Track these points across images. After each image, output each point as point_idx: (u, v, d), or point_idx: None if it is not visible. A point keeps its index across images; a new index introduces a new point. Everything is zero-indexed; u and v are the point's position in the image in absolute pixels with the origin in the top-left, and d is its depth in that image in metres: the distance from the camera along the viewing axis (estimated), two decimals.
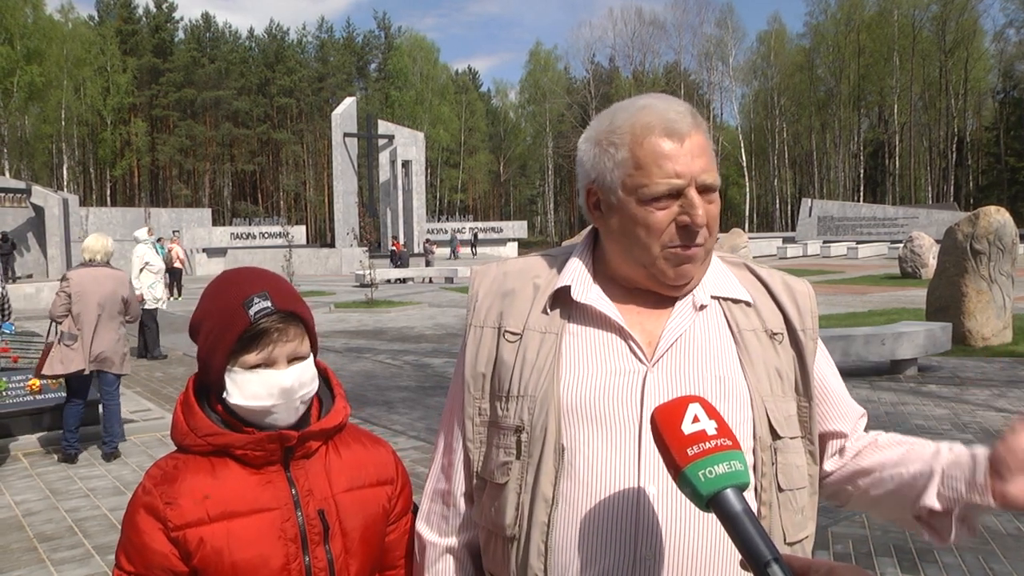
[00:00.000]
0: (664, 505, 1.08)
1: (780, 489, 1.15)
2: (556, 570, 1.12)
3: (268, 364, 1.23)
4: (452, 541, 1.28)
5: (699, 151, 1.14)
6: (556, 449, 1.13)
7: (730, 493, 0.87)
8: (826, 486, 1.30)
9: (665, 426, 0.92)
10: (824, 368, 1.29)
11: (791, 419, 1.18)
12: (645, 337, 1.17)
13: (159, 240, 11.27)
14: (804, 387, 1.21)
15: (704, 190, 1.14)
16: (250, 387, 1.22)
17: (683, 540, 1.07)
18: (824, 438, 1.28)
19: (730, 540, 1.03)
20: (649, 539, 1.07)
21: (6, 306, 8.69)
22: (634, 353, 1.16)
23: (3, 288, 8.76)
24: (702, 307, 1.20)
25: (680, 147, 1.13)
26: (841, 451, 1.30)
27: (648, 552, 1.07)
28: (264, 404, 1.23)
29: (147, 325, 11.12)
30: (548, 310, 1.21)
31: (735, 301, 1.22)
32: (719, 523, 1.04)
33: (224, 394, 1.25)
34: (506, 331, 1.22)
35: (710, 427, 0.91)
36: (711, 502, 0.87)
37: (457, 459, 1.27)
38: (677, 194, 1.13)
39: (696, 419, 0.91)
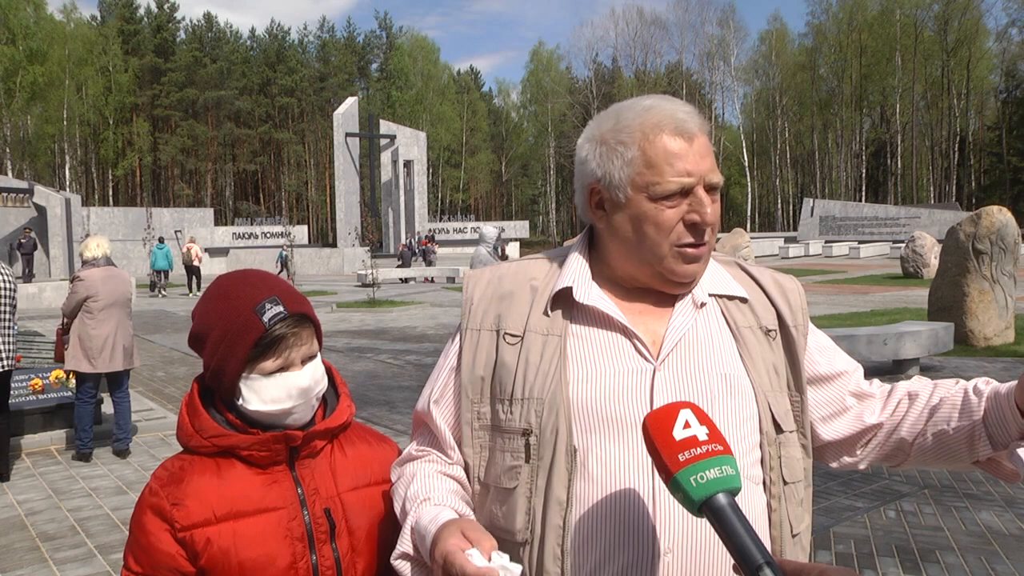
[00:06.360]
0: None
1: (785, 482, 1.20)
2: (573, 572, 1.11)
3: (285, 368, 1.23)
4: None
5: (705, 151, 1.18)
6: (568, 451, 1.12)
7: (721, 498, 0.88)
8: (873, 447, 1.31)
9: (656, 432, 0.93)
10: (820, 339, 1.33)
11: (788, 414, 1.22)
12: (649, 336, 1.18)
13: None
14: (795, 382, 1.25)
15: (710, 189, 1.18)
16: (269, 392, 1.22)
17: (704, 533, 1.07)
18: (837, 385, 1.31)
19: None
20: (670, 534, 1.08)
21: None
22: (640, 352, 1.16)
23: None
24: (702, 305, 1.22)
25: (690, 146, 1.16)
26: (861, 399, 1.31)
27: (669, 546, 1.08)
28: (284, 407, 1.24)
29: None
30: (549, 312, 1.21)
31: (731, 298, 1.25)
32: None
33: (240, 401, 1.24)
34: (506, 333, 1.21)
35: (701, 433, 0.92)
36: (703, 507, 0.88)
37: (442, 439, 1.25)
38: (686, 192, 1.16)
39: (687, 425, 0.92)
